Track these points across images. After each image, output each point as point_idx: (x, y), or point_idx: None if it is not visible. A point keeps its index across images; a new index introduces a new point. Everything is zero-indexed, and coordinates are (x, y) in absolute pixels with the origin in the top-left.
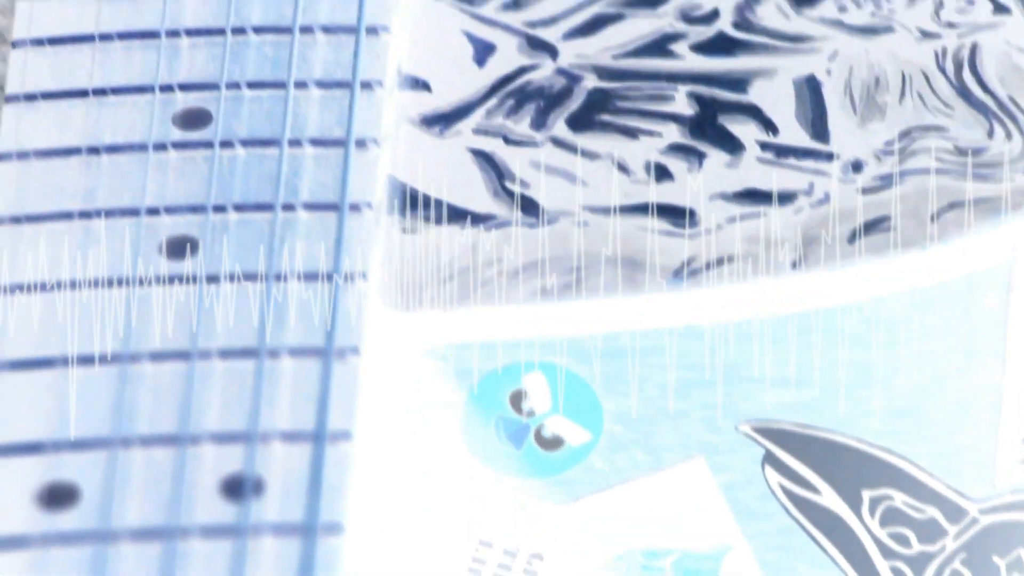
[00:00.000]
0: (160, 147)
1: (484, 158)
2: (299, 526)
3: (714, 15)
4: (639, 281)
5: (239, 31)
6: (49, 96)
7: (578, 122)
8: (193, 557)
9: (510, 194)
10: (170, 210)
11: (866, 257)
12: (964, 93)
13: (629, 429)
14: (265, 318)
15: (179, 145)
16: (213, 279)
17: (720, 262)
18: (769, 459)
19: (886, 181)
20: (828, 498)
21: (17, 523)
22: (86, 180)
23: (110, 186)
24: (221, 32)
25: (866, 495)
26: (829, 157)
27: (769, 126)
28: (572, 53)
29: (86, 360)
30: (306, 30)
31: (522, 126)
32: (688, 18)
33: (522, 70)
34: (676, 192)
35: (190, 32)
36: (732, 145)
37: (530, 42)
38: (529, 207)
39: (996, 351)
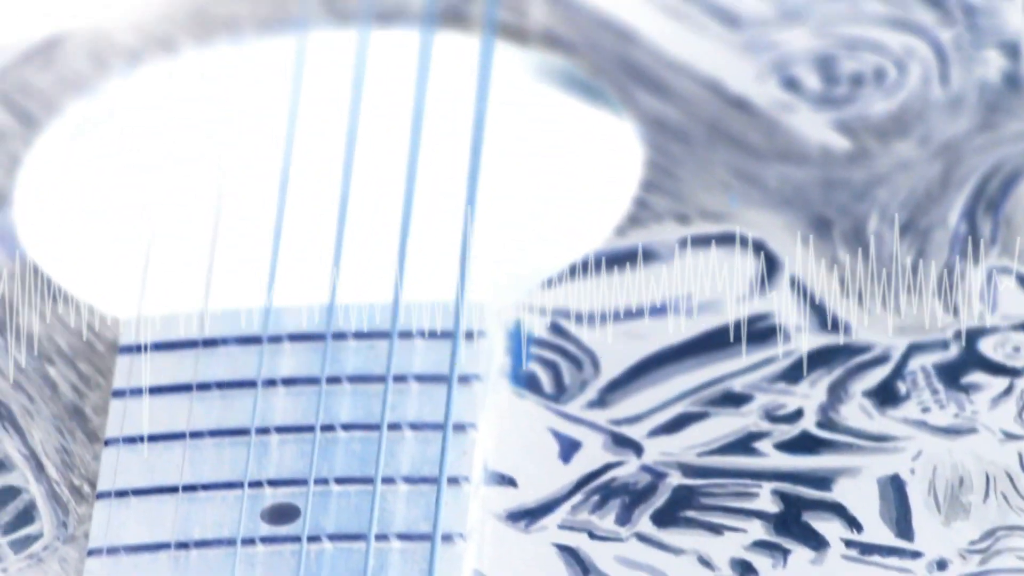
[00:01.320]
0: (248, 542)
1: (569, 553)
2: None
3: (798, 414)
4: None
5: (328, 428)
6: (140, 492)
7: (663, 518)
8: None
9: None
10: None
11: None
12: None
13: None
14: None
15: (267, 540)
16: None
17: None
18: None
19: None
20: None
21: None
22: (175, 575)
23: None
24: (310, 429)
25: None
26: (914, 555)
27: (853, 524)
28: (657, 450)
29: None
30: (394, 427)
31: (607, 521)
32: (772, 417)
33: (607, 467)
34: None
35: (279, 429)
36: (817, 542)
37: (615, 439)
38: None
39: None
